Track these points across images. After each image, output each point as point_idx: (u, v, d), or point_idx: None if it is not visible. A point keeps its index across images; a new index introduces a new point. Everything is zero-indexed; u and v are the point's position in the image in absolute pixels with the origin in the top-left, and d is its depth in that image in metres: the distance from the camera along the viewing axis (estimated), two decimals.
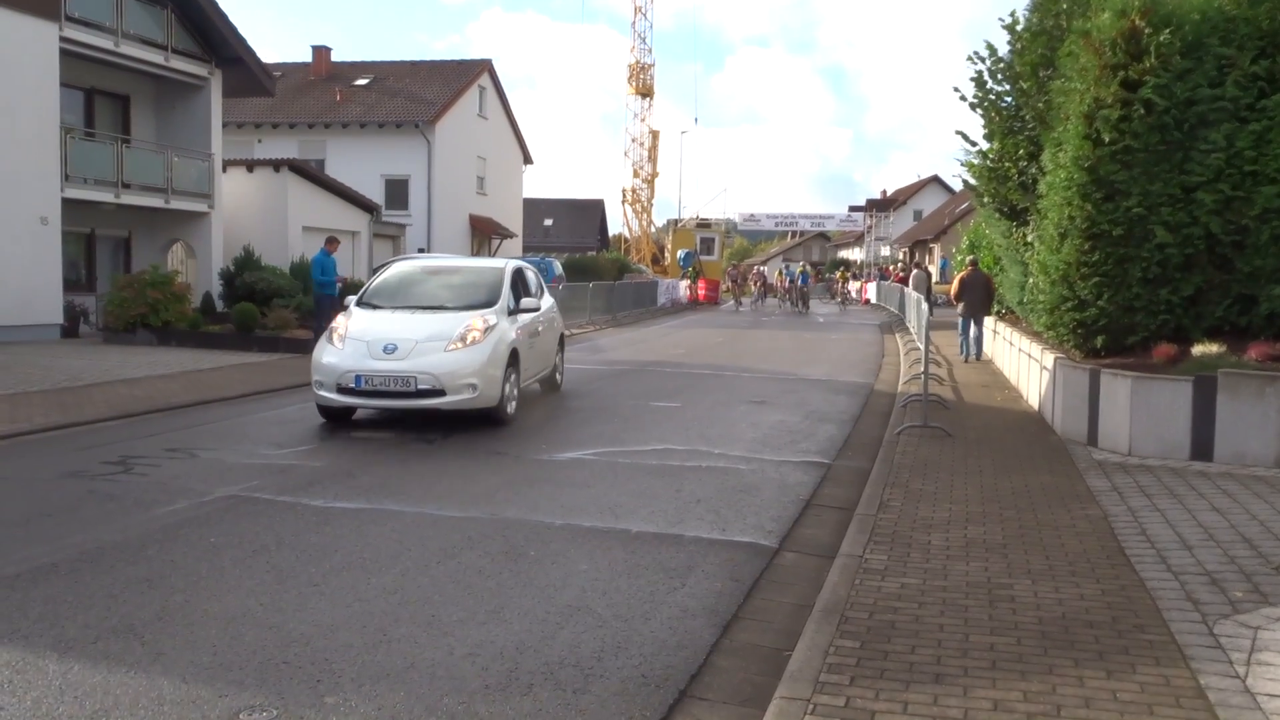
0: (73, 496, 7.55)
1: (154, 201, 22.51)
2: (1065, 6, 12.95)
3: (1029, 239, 13.73)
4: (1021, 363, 14.09)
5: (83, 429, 10.53)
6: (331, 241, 17.94)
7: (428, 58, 49.04)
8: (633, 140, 59.01)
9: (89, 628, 4.87)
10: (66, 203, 20.29)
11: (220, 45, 23.85)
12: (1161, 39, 9.77)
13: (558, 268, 35.21)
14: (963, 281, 18.36)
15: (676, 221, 61.56)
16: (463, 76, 41.47)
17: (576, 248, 57.83)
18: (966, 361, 18.27)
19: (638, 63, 58.71)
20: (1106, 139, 9.96)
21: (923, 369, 11.81)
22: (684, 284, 45.04)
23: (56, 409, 11.44)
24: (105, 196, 21.44)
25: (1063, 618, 4.91)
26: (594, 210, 68.46)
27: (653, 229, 64.43)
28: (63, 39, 20.02)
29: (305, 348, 18.71)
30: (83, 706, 4.03)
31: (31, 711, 3.99)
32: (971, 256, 19.62)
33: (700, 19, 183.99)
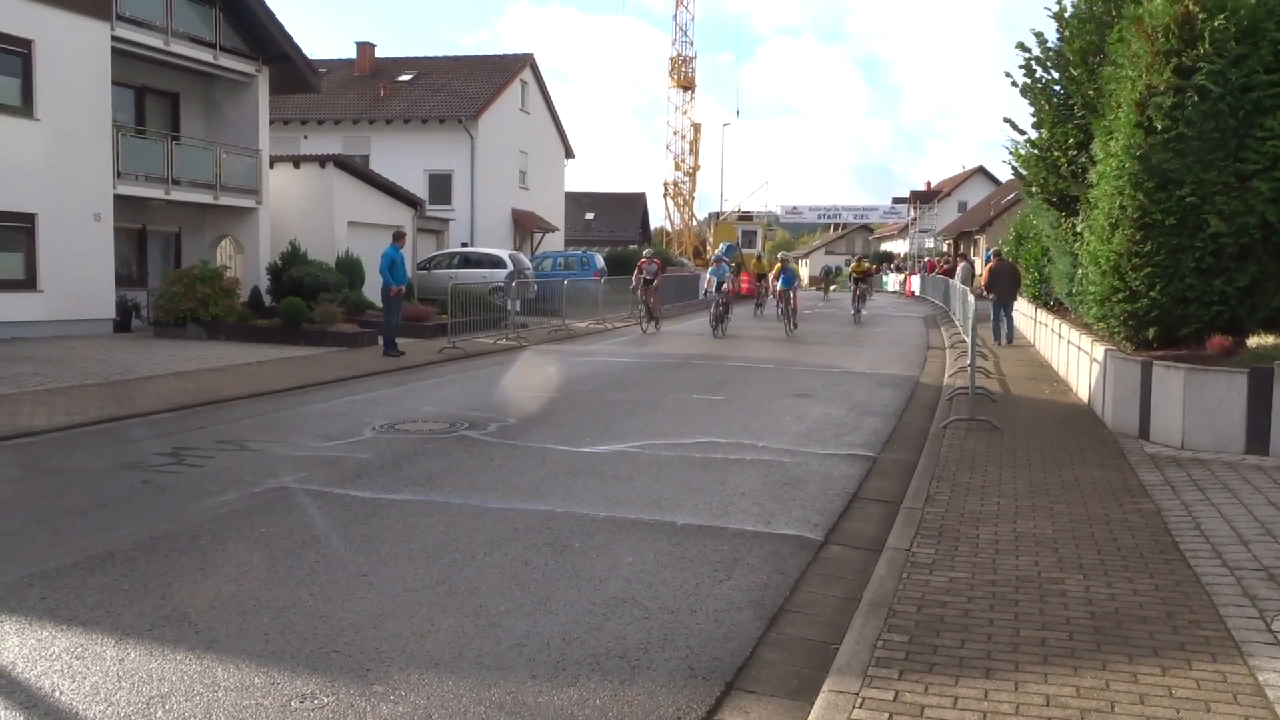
0: (127, 487, 7.70)
1: (203, 198, 22.87)
2: None
3: (1078, 229, 13.51)
4: (1070, 355, 13.89)
5: (135, 421, 10.72)
6: (399, 236, 18.09)
7: (455, 53, 49.33)
8: (674, 133, 59.02)
9: (144, 615, 4.96)
10: (118, 199, 20.67)
11: (267, 43, 24.14)
12: (1216, 24, 9.56)
13: (599, 261, 35.31)
14: (992, 271, 20.07)
15: (718, 214, 61.47)
16: (505, 71, 41.63)
17: (618, 241, 57.86)
18: (999, 346, 19.59)
19: (679, 55, 58.70)
20: (1159, 127, 9.77)
21: (969, 361, 11.68)
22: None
23: (110, 401, 11.66)
24: (156, 193, 21.81)
25: (1115, 613, 4.83)
26: (636, 204, 68.45)
27: (694, 222, 64.39)
28: (114, 38, 20.37)
29: (352, 341, 18.96)
30: (139, 692, 4.11)
31: (90, 696, 4.08)
32: (995, 248, 21.45)
33: (728, 9, 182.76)
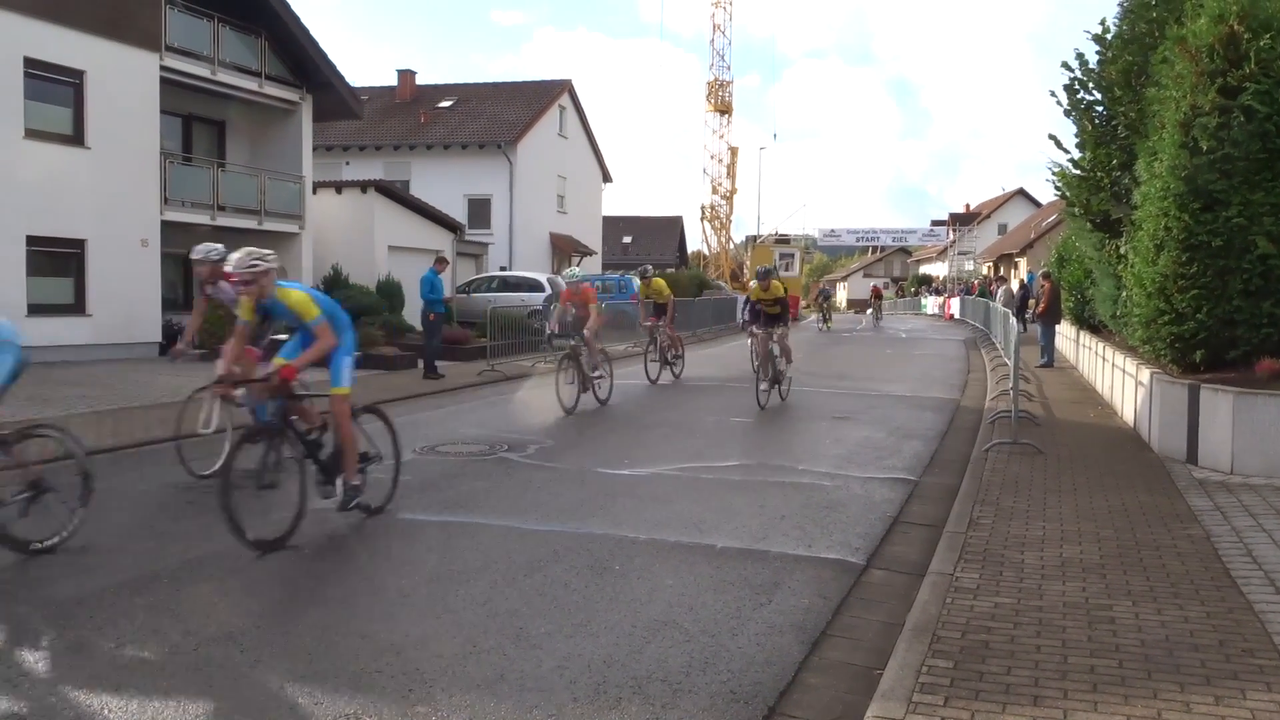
0: (173, 508, 7.81)
1: (248, 223, 23.25)
2: (1155, 15, 12.63)
3: (1123, 251, 13.36)
4: (1115, 378, 13.69)
5: (181, 443, 10.83)
6: (440, 261, 18.29)
7: (487, 79, 49.78)
8: (711, 157, 59.21)
9: (190, 634, 5.01)
10: (165, 225, 21.07)
11: (311, 71, 24.58)
12: (1262, 44, 9.45)
13: (636, 284, 35.36)
14: (1054, 293, 20.01)
15: (755, 238, 61.50)
16: (543, 97, 42.02)
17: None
18: (1045, 368, 19.70)
19: (716, 80, 58.98)
20: (1204, 147, 9.64)
21: (1012, 384, 11.55)
22: None
23: (157, 423, 11.83)
24: (202, 219, 22.21)
25: (1166, 640, 4.74)
26: (673, 227, 68.64)
27: (731, 246, 64.42)
28: (163, 68, 20.85)
29: (393, 364, 19.12)
30: (186, 711, 4.15)
31: (138, 715, 4.12)
32: (1044, 269, 21.80)
33: (756, 33, 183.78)
